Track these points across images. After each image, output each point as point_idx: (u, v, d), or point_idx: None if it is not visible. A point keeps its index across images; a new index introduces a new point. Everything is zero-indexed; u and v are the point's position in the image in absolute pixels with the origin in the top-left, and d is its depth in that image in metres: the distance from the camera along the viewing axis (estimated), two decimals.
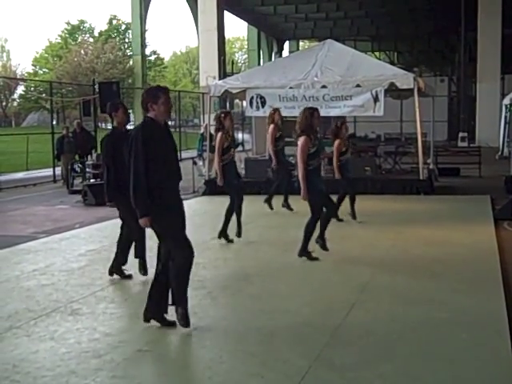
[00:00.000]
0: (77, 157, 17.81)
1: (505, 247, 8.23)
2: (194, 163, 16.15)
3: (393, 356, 4.56)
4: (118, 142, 6.39)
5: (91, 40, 64.30)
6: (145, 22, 39.91)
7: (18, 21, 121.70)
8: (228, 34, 73.01)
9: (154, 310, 5.23)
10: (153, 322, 5.24)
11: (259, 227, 9.97)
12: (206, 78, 28.70)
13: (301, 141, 7.27)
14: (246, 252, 8.45)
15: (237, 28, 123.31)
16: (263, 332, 5.09)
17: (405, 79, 13.51)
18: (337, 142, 9.85)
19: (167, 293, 5.22)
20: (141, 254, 6.87)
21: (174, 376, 4.48)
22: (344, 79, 13.67)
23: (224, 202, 8.90)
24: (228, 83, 15.02)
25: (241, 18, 41.10)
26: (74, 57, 55.21)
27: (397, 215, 10.94)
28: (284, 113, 12.62)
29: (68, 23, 67.97)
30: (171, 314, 5.26)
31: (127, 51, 59.13)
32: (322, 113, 13.00)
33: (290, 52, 45.46)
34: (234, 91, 14.74)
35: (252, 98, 14.28)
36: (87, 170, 15.77)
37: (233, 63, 37.52)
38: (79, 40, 64.95)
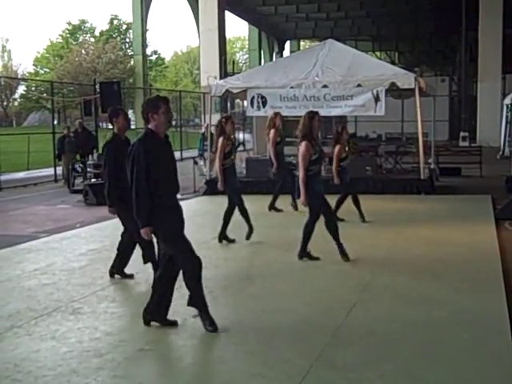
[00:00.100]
0: (78, 156, 17.82)
1: (506, 247, 8.23)
2: (195, 163, 16.14)
3: (394, 356, 4.57)
4: (118, 149, 6.45)
5: (92, 40, 64.36)
6: (146, 22, 39.98)
7: (19, 20, 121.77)
8: (229, 34, 72.86)
9: (153, 311, 5.24)
10: (153, 323, 5.24)
11: (260, 227, 9.94)
12: (206, 77, 28.68)
13: (302, 147, 7.24)
14: (246, 252, 8.46)
15: (238, 28, 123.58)
16: (264, 332, 5.09)
17: (406, 79, 13.50)
18: (337, 149, 9.80)
19: (168, 295, 5.23)
20: (152, 259, 6.76)
21: (174, 376, 4.48)
22: (345, 79, 13.66)
23: (225, 202, 8.90)
24: (229, 83, 15.02)
25: (242, 17, 41.11)
26: (75, 57, 55.24)
27: (397, 215, 10.94)
28: (285, 113, 12.62)
29: (69, 23, 68.05)
30: (171, 313, 5.27)
31: (128, 51, 59.19)
32: (323, 112, 13.07)
33: (291, 52, 45.47)
34: (235, 91, 14.75)
35: (253, 97, 14.28)
36: (88, 169, 15.78)
37: (234, 63, 37.55)
38: (80, 40, 65.00)
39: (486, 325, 5.18)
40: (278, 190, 11.40)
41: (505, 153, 22.73)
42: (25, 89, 56.06)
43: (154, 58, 66.04)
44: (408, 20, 38.84)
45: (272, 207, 11.41)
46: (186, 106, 64.14)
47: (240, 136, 28.62)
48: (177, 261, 5.10)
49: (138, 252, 6.87)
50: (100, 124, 21.62)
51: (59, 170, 18.90)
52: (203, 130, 20.19)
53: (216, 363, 4.49)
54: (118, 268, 6.93)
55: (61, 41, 66.89)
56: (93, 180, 14.91)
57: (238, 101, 27.61)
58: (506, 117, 23.54)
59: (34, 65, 67.27)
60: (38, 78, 57.53)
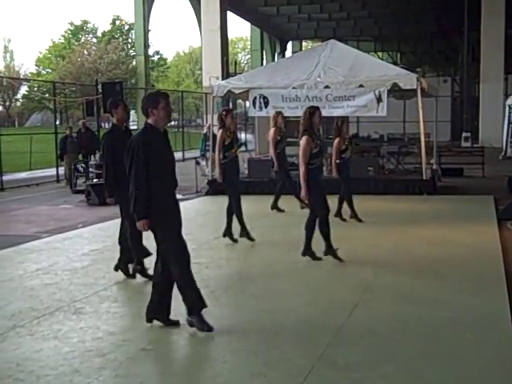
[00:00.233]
0: (80, 156, 17.84)
1: (508, 247, 8.22)
2: (197, 163, 16.15)
3: (396, 356, 4.57)
4: (117, 139, 6.53)
5: (94, 40, 64.42)
6: (148, 23, 39.95)
7: (21, 21, 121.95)
8: (231, 35, 72.91)
9: (155, 310, 5.24)
10: (155, 322, 5.25)
11: (262, 227, 9.96)
12: (209, 78, 28.72)
13: (303, 141, 7.27)
14: (248, 252, 8.46)
15: (240, 28, 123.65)
16: (266, 331, 5.09)
17: (408, 79, 13.49)
18: (336, 141, 9.88)
19: (169, 293, 5.23)
20: (137, 260, 6.83)
21: (176, 375, 4.49)
22: (347, 79, 13.66)
23: (227, 202, 8.90)
24: (231, 83, 15.03)
25: (244, 18, 41.17)
26: (77, 57, 55.30)
27: (400, 215, 10.93)
28: (287, 113, 12.62)
29: (71, 23, 68.15)
30: (174, 314, 5.27)
31: (130, 51, 59.25)
32: (325, 113, 13.05)
33: (293, 52, 45.48)
34: (237, 91, 14.74)
35: (255, 98, 14.28)
36: (90, 169, 15.79)
37: (236, 63, 37.57)
38: (82, 40, 65.01)
39: (489, 325, 5.17)
40: (279, 189, 11.39)
41: (507, 153, 22.72)
42: (27, 89, 56.04)
43: (156, 58, 66.05)
44: (410, 20, 38.86)
45: (275, 207, 11.40)
46: (188, 106, 64.25)
47: (242, 136, 28.65)
48: (166, 253, 5.09)
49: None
50: (102, 124, 21.61)
51: (61, 170, 18.93)
52: (205, 131, 20.18)
53: (218, 363, 4.49)
54: (124, 262, 6.92)
55: (63, 41, 66.98)
56: (95, 180, 14.91)
57: (240, 101, 27.63)
58: (508, 117, 23.51)
59: (36, 65, 67.43)
60: (40, 79, 57.59)
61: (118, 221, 7.17)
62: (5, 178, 18.03)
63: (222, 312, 5.76)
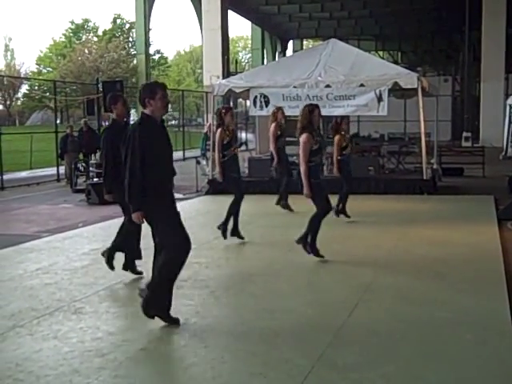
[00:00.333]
0: (81, 156, 17.85)
1: (508, 248, 8.22)
2: (198, 162, 16.15)
3: (395, 356, 4.56)
4: (117, 135, 6.47)
5: (95, 39, 64.42)
6: (149, 21, 39.89)
7: (22, 20, 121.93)
8: (232, 34, 72.99)
9: (156, 306, 5.22)
10: (155, 322, 5.24)
11: (261, 227, 9.97)
12: (209, 77, 28.72)
13: (302, 138, 7.26)
14: (248, 252, 8.46)
15: (241, 27, 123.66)
16: (266, 332, 5.09)
17: (408, 79, 13.49)
18: (337, 138, 9.94)
19: (170, 288, 5.22)
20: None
21: (176, 375, 4.49)
22: (348, 78, 13.66)
23: (227, 201, 8.90)
24: (232, 82, 15.03)
25: (245, 17, 41.13)
26: (77, 56, 55.32)
27: (400, 215, 10.93)
28: (288, 112, 12.62)
29: (72, 22, 68.18)
30: (174, 313, 5.27)
31: (131, 50, 59.24)
32: (326, 112, 13.09)
33: (294, 51, 45.45)
34: (238, 90, 14.75)
35: (256, 97, 14.28)
36: (91, 169, 15.80)
37: (236, 62, 37.53)
38: (83, 39, 65.08)
39: (488, 325, 5.17)
40: (283, 188, 11.26)
41: (507, 153, 22.71)
42: (28, 88, 56.18)
43: (156, 57, 66.06)
44: (411, 20, 38.83)
45: (286, 206, 11.23)
46: (189, 105, 64.24)
47: (243, 135, 28.63)
48: (165, 243, 5.09)
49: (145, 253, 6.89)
50: (103, 123, 21.61)
51: (62, 169, 18.93)
52: (205, 130, 20.18)
53: (217, 363, 4.48)
54: (130, 260, 6.93)
55: (64, 40, 67.01)
56: (95, 179, 14.92)
57: (240, 100, 27.59)
58: (509, 117, 23.50)
59: (36, 64, 67.50)
60: (40, 78, 57.60)
61: (119, 220, 7.17)
62: (5, 177, 18.03)
63: (222, 312, 5.77)
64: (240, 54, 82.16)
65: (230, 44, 36.54)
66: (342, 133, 10.18)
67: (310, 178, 7.21)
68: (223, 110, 8.76)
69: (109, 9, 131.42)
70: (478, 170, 16.84)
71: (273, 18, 41.33)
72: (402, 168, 15.90)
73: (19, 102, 62.93)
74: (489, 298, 5.94)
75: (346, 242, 8.66)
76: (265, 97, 14.16)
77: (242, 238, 8.71)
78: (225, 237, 8.67)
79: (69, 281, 6.87)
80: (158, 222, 5.11)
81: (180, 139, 28.08)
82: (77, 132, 18.43)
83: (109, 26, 66.51)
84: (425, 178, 13.56)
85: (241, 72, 27.16)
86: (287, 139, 11.42)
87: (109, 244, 7.11)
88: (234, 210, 8.67)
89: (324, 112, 12.76)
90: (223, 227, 8.68)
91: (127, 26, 64.77)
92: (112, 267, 6.91)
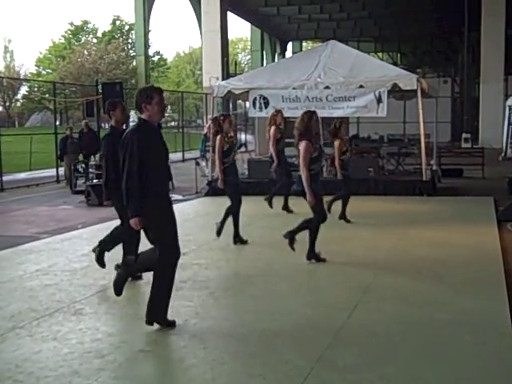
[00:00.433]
0: (81, 157, 17.84)
1: (508, 249, 8.22)
2: (197, 164, 16.16)
3: (395, 357, 4.56)
4: (117, 142, 6.46)
5: (94, 41, 64.44)
6: (148, 23, 39.91)
7: (21, 21, 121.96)
8: (231, 35, 73.13)
9: (155, 312, 5.22)
10: (154, 324, 5.24)
11: (261, 228, 9.96)
12: (209, 78, 28.70)
13: (302, 146, 7.23)
14: (248, 253, 8.45)
15: (240, 29, 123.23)
16: (265, 333, 5.09)
17: (408, 80, 13.50)
18: (337, 142, 9.94)
19: (169, 292, 5.22)
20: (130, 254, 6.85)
21: (175, 377, 4.48)
22: (347, 80, 13.66)
23: (227, 203, 8.90)
24: (231, 84, 15.03)
25: (244, 18, 41.16)
26: (77, 57, 55.31)
27: (399, 216, 10.93)
28: (287, 114, 12.62)
29: (71, 24, 68.14)
30: (173, 314, 5.27)
31: (130, 52, 59.24)
32: (325, 114, 13.10)
33: (293, 53, 45.52)
34: (237, 92, 14.75)
35: (255, 98, 14.28)
36: (90, 170, 15.79)
37: (236, 64, 37.52)
38: (82, 41, 65.09)
39: (488, 326, 5.17)
40: (276, 188, 11.30)
41: (507, 154, 22.73)
42: (27, 89, 56.08)
43: (156, 58, 66.05)
44: (410, 21, 38.85)
45: (269, 200, 11.30)
46: (188, 106, 64.23)
47: (242, 137, 28.64)
48: (157, 249, 5.10)
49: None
50: (102, 125, 21.62)
51: (61, 170, 18.92)
52: (205, 131, 20.18)
53: (217, 364, 4.48)
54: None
55: (63, 41, 67.00)
56: (95, 181, 14.91)
57: (240, 102, 27.60)
58: (509, 118, 23.53)
59: (36, 65, 67.45)
60: (40, 79, 57.62)
61: (118, 222, 7.16)
62: (4, 178, 18.02)
63: (221, 313, 5.77)
64: (239, 55, 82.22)
65: (229, 45, 36.57)
66: (342, 137, 10.17)
67: (312, 186, 7.20)
68: (221, 117, 8.82)
69: (108, 10, 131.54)
70: (478, 172, 16.85)
71: (272, 20, 41.35)
72: (402, 169, 15.90)
73: (19, 104, 62.95)
74: (488, 299, 5.95)
75: (346, 243, 8.66)
76: (264, 98, 14.16)
77: (244, 242, 8.72)
78: (218, 235, 8.70)
79: (68, 282, 6.87)
80: (154, 224, 5.11)
81: (179, 141, 28.08)
82: (77, 133, 18.42)
83: (108, 28, 66.59)
84: (424, 179, 13.56)
85: (240, 73, 27.13)
86: (286, 140, 11.43)
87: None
88: (231, 213, 8.68)
89: (324, 114, 12.80)
90: (219, 226, 8.71)
91: (126, 27, 64.80)
92: (103, 265, 6.92)
